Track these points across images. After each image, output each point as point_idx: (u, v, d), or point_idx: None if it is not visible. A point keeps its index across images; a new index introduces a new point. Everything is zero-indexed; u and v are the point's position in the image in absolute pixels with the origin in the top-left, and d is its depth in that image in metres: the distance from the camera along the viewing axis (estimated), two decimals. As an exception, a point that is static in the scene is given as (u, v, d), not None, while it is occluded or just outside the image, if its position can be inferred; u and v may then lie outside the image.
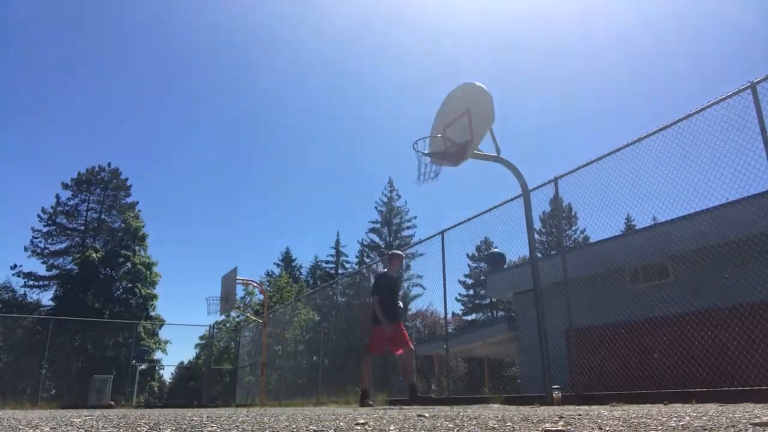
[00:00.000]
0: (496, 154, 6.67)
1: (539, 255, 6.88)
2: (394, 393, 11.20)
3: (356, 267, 43.79)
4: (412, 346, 7.01)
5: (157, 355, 32.05)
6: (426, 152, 7.00)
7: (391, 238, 43.69)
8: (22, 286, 34.03)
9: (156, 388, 33.34)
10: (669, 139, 5.99)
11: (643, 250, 8.91)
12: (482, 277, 38.45)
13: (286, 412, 4.31)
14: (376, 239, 44.82)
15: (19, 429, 2.40)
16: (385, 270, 7.55)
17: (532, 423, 2.10)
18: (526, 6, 50.28)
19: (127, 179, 38.46)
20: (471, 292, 41.96)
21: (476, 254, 39.02)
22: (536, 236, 7.17)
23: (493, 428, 1.95)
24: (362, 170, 68.64)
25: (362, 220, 73.47)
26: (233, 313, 28.98)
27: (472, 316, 40.92)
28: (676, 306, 7.49)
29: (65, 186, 36.94)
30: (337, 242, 47.97)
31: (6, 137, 50.99)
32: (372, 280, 7.69)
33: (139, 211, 37.07)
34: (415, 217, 45.34)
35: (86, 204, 37.22)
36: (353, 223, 77.42)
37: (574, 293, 7.45)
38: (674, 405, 4.32)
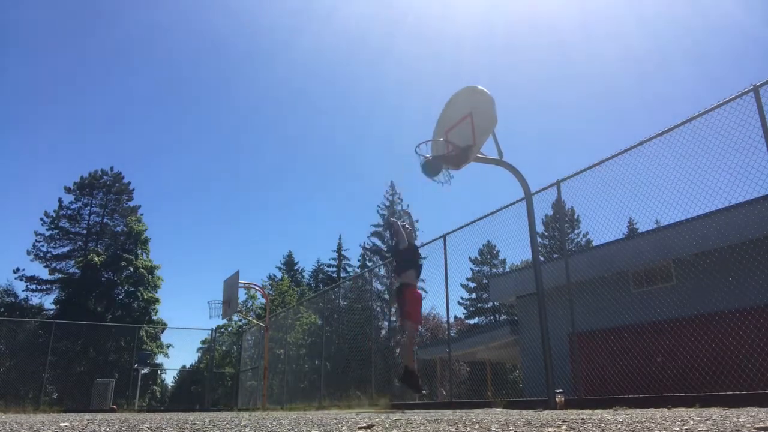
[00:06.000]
0: (498, 158, 6.67)
1: (542, 258, 6.86)
2: (396, 396, 11.17)
3: (358, 271, 43.79)
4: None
5: (159, 359, 32.07)
6: (428, 156, 7.00)
7: (393, 242, 43.59)
8: (24, 290, 34.13)
9: (158, 392, 33.28)
10: (671, 143, 5.98)
11: (647, 254, 8.90)
12: (485, 281, 38.41)
13: (288, 416, 4.30)
14: (378, 243, 44.82)
15: (22, 433, 2.40)
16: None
17: (535, 427, 2.09)
18: (528, 9, 50.36)
19: (129, 183, 38.58)
20: (473, 295, 41.90)
21: (479, 258, 39.03)
22: (539, 240, 7.16)
23: (497, 432, 1.94)
24: (364, 173, 68.74)
25: (364, 223, 73.43)
26: (235, 317, 28.99)
27: (475, 320, 40.86)
28: (679, 310, 7.47)
29: (68, 190, 37.05)
30: (339, 246, 47.96)
31: (9, 141, 51.18)
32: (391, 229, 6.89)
33: (142, 215, 37.18)
34: (417, 221, 45.00)
35: (89, 208, 37.31)
36: (355, 227, 77.26)
37: (577, 297, 7.43)
38: (678, 409, 4.30)
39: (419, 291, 6.47)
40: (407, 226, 6.91)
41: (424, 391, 6.77)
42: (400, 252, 6.56)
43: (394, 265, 6.63)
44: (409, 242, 6.62)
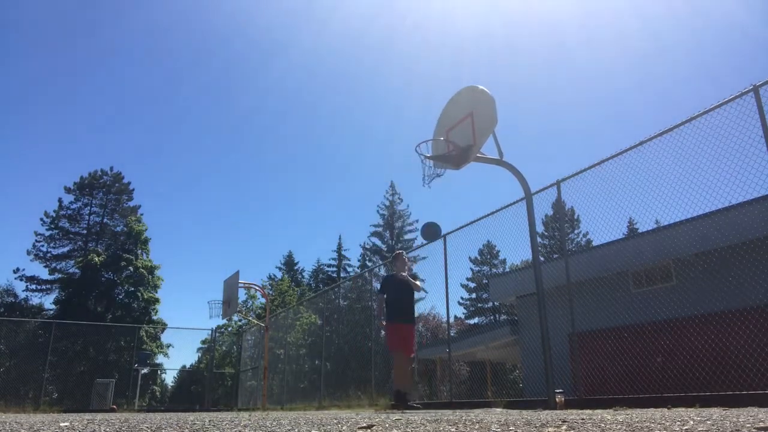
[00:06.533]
0: (498, 158, 6.67)
1: (542, 258, 6.86)
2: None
3: (358, 270, 43.78)
4: (412, 354, 6.86)
5: (159, 359, 32.04)
6: (429, 156, 7.01)
7: (393, 242, 43.68)
8: (24, 290, 34.12)
9: (158, 392, 33.27)
10: (671, 143, 5.98)
11: (647, 254, 8.89)
12: (485, 281, 38.40)
13: (288, 416, 4.30)
14: (378, 243, 44.85)
15: (22, 433, 2.40)
16: (393, 272, 7.51)
17: (535, 427, 2.09)
18: (528, 9, 50.36)
19: (129, 183, 38.59)
20: (473, 295, 41.90)
21: (479, 258, 39.04)
22: (539, 239, 7.16)
23: (497, 432, 1.94)
24: (364, 174, 68.73)
25: (364, 223, 73.48)
26: (235, 317, 29.00)
27: (475, 320, 40.86)
28: (679, 310, 7.47)
29: (68, 190, 37.04)
30: (339, 246, 47.96)
31: (8, 141, 51.18)
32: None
33: (142, 215, 37.16)
34: (417, 221, 45.29)
35: (89, 208, 37.31)
36: (355, 227, 77.35)
37: (577, 297, 7.43)
38: (678, 409, 4.30)
39: (401, 325, 6.97)
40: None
41: (416, 404, 7.33)
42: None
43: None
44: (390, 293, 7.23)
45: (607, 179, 6.71)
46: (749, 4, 35.33)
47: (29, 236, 38.64)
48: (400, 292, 7.08)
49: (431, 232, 7.57)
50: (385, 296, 7.28)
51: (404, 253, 7.66)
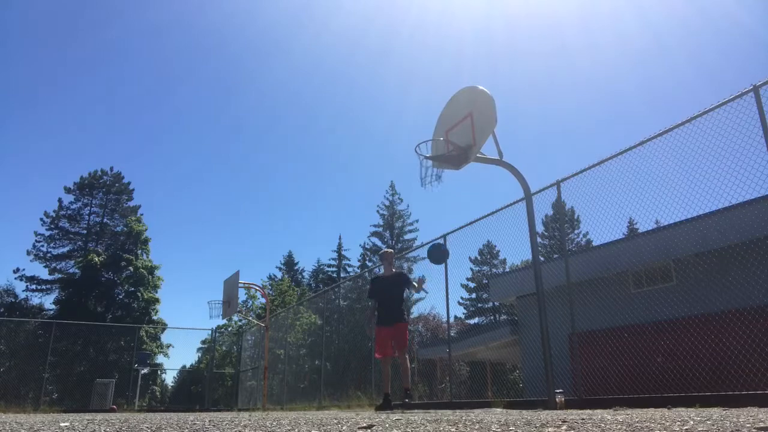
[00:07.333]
0: (498, 158, 6.67)
1: (542, 259, 6.86)
2: (396, 396, 11.15)
3: (358, 271, 43.77)
4: (404, 353, 6.71)
5: (159, 359, 32.05)
6: (428, 156, 7.00)
7: (393, 242, 43.68)
8: (24, 290, 34.11)
9: (158, 393, 33.27)
10: (672, 143, 5.98)
11: (647, 254, 8.89)
12: (485, 281, 38.38)
13: (288, 416, 4.30)
14: (379, 243, 44.82)
15: (22, 433, 2.40)
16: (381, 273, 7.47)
17: (535, 427, 2.09)
18: (528, 10, 50.35)
19: (129, 183, 38.59)
20: (473, 295, 41.87)
21: (479, 258, 39.01)
22: (539, 240, 7.16)
23: (497, 432, 1.94)
24: (364, 174, 68.71)
25: (364, 223, 73.53)
26: (235, 317, 28.98)
27: (475, 320, 40.83)
28: (679, 310, 7.47)
29: (68, 190, 37.04)
30: (339, 246, 47.97)
31: (8, 141, 51.17)
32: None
33: (142, 215, 37.19)
34: (417, 221, 45.33)
35: (89, 208, 37.31)
36: (355, 227, 77.33)
37: (577, 297, 7.43)
38: (678, 409, 4.31)
39: (389, 328, 6.87)
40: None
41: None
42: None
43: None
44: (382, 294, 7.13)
45: (607, 179, 6.72)
46: (749, 4, 35.36)
47: (29, 236, 38.70)
48: (389, 292, 6.94)
49: (438, 255, 7.70)
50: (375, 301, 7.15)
51: (391, 252, 7.49)
